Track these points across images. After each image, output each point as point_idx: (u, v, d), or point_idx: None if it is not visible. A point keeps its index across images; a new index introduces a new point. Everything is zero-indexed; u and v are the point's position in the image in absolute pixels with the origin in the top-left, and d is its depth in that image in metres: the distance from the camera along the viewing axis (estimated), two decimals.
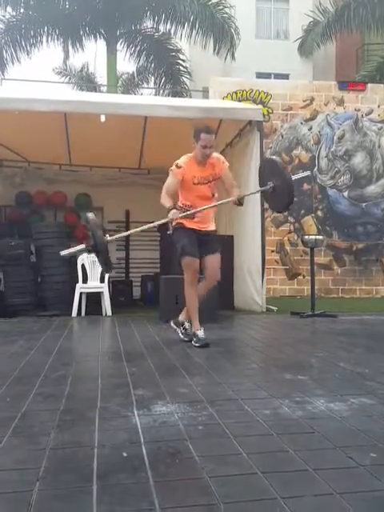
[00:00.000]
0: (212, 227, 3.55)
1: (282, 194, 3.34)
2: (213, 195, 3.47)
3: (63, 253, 2.88)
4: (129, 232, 3.16)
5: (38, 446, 1.53)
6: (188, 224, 3.35)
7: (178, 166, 3.27)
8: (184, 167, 3.27)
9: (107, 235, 3.03)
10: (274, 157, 3.57)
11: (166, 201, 3.25)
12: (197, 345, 3.26)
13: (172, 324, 3.54)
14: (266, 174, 3.44)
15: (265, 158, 3.53)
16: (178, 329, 3.49)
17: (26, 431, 1.68)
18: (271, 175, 3.38)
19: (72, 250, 2.85)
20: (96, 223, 2.81)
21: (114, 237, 3.08)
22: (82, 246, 2.76)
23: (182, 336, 3.44)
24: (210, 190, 3.41)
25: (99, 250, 2.69)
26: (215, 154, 3.42)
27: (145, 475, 1.32)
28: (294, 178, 3.40)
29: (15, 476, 1.34)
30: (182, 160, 3.33)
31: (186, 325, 3.44)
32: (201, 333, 3.34)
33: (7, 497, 1.22)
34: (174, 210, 3.17)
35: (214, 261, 3.44)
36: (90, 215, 2.88)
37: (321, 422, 1.75)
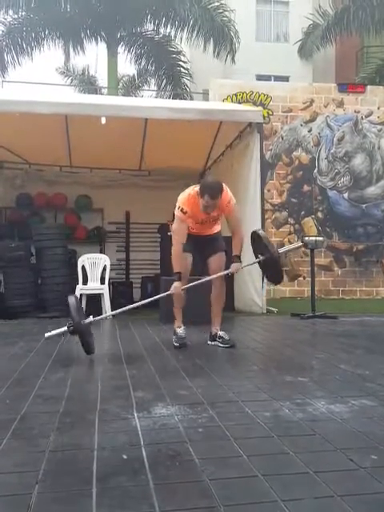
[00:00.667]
0: (216, 230, 3.54)
1: (271, 268, 3.37)
2: (214, 224, 3.47)
3: (47, 334, 3.00)
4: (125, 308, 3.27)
5: (38, 449, 1.53)
6: (189, 231, 3.35)
7: (183, 212, 3.23)
8: (189, 212, 3.24)
9: (91, 316, 3.07)
10: (260, 231, 3.49)
11: (176, 260, 3.22)
12: (176, 344, 3.25)
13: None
14: (257, 246, 3.44)
15: (253, 231, 3.51)
16: (212, 342, 3.41)
17: (26, 433, 1.67)
18: (260, 248, 3.38)
19: (54, 332, 2.97)
20: (74, 307, 2.87)
21: (95, 318, 3.09)
22: (65, 329, 2.87)
23: (222, 345, 3.31)
24: (209, 224, 3.43)
25: (77, 333, 2.81)
26: (224, 192, 3.21)
27: (145, 478, 1.31)
28: (281, 251, 3.42)
29: (14, 479, 1.33)
30: (186, 202, 3.23)
31: (220, 333, 3.37)
32: (181, 330, 3.32)
33: (6, 499, 1.22)
34: (178, 284, 3.16)
35: (216, 260, 3.43)
36: (70, 299, 2.96)
37: (321, 424, 1.74)
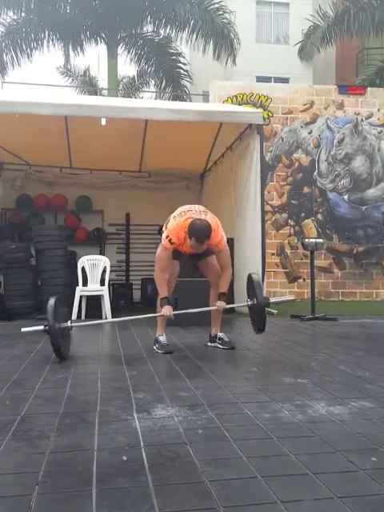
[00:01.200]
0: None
1: (256, 314, 3.25)
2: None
3: (24, 329, 3.09)
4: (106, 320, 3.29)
5: (38, 450, 1.53)
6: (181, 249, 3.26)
7: (171, 242, 3.12)
8: (175, 244, 3.15)
9: (68, 322, 3.09)
10: (254, 275, 3.31)
11: (161, 285, 3.15)
12: (160, 352, 3.18)
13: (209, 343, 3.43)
14: (249, 288, 3.33)
15: (249, 274, 3.39)
16: (211, 343, 3.41)
17: (26, 434, 1.67)
18: (251, 291, 3.27)
19: (31, 329, 3.06)
20: (52, 309, 2.91)
21: (73, 324, 3.12)
22: (41, 328, 2.93)
23: (222, 347, 3.32)
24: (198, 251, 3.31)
25: (49, 334, 2.86)
26: (214, 232, 3.06)
27: (144, 479, 1.31)
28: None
29: (14, 479, 1.34)
30: (175, 234, 3.11)
31: (220, 335, 3.37)
32: (163, 338, 3.28)
33: (7, 500, 1.22)
34: (169, 308, 3.11)
35: (207, 260, 3.35)
36: (50, 301, 2.99)
37: (321, 425, 1.74)
